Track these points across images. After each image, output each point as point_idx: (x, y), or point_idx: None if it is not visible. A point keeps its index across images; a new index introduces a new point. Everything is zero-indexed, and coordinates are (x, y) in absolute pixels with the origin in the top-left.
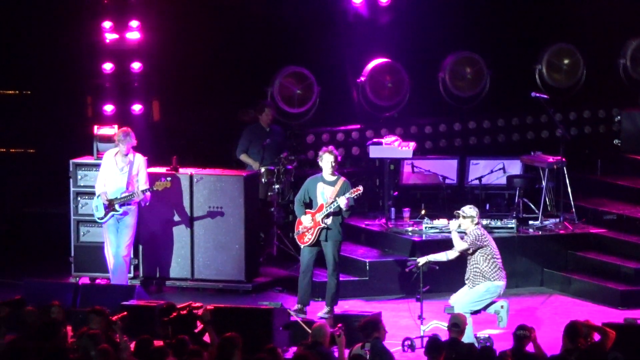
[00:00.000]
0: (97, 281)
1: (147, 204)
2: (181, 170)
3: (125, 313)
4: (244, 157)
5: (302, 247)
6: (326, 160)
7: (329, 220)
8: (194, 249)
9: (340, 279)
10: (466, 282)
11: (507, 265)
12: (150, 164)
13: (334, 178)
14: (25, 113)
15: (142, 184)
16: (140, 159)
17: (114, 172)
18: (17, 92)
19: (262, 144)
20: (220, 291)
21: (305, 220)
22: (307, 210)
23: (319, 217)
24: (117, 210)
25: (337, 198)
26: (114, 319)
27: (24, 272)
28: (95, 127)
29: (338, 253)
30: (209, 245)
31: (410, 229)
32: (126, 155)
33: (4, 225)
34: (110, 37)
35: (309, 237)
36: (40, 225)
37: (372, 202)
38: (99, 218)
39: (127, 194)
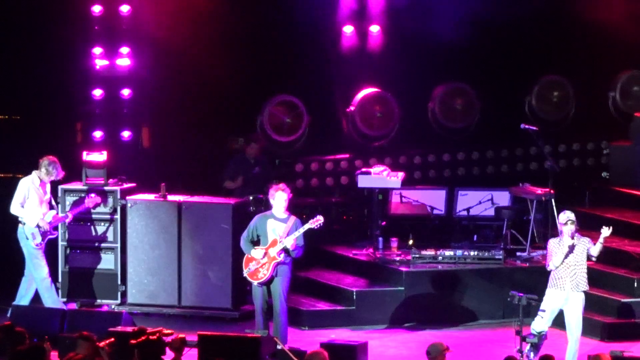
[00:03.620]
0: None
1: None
2: (170, 197)
3: (113, 339)
4: (227, 184)
5: (254, 285)
6: (279, 199)
7: (282, 256)
8: (182, 276)
9: (327, 307)
10: (570, 288)
11: (495, 297)
12: (138, 190)
13: (285, 216)
14: (14, 138)
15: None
16: (49, 183)
17: (42, 199)
18: (5, 117)
19: (249, 172)
20: (207, 318)
21: (257, 254)
22: (256, 247)
23: (273, 251)
24: (54, 234)
25: (284, 239)
26: (101, 345)
27: (11, 298)
28: (84, 153)
29: (287, 289)
30: (196, 273)
31: (398, 259)
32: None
33: None
34: (100, 63)
35: (264, 273)
36: None
37: (360, 232)
38: (37, 244)
39: (61, 217)
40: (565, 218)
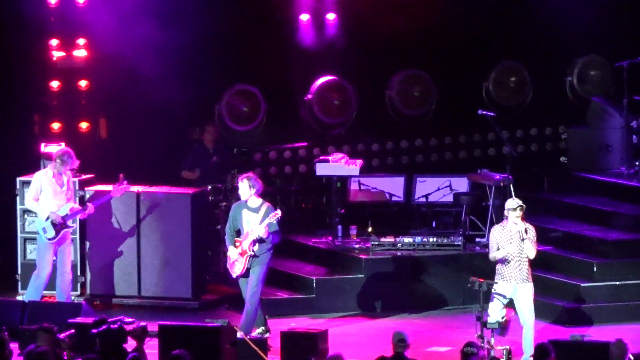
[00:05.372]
0: (44, 299)
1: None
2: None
3: (73, 331)
4: (184, 174)
5: (239, 278)
6: (241, 188)
7: (256, 248)
8: (141, 266)
9: (287, 296)
10: (514, 280)
11: (455, 283)
12: (96, 181)
13: (257, 204)
14: None
15: (74, 196)
16: (69, 174)
17: (56, 191)
18: None
19: (208, 162)
20: (167, 309)
21: (233, 251)
22: (236, 239)
23: (245, 244)
24: (69, 226)
25: (252, 232)
26: (61, 337)
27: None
28: (42, 144)
29: (263, 277)
30: (156, 263)
31: (357, 246)
32: (62, 174)
33: None
34: (57, 54)
35: (239, 267)
36: None
37: (319, 220)
38: (50, 238)
39: (79, 207)
40: (516, 203)
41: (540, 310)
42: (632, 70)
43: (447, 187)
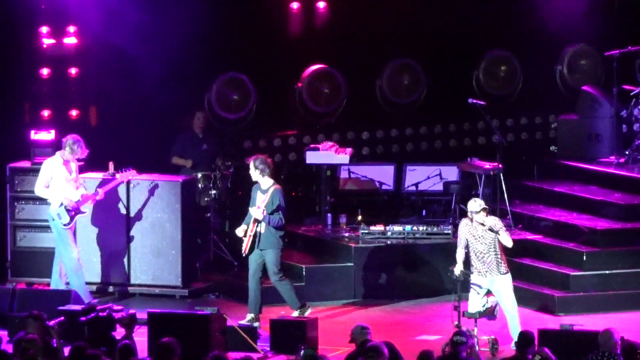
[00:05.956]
0: (35, 286)
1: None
2: (118, 175)
3: (63, 318)
4: (175, 160)
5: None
6: (250, 170)
7: (259, 228)
8: (131, 254)
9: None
10: (489, 273)
11: (444, 271)
12: (86, 169)
13: (267, 185)
14: None
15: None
16: (76, 161)
17: (67, 178)
18: None
19: (198, 149)
20: (156, 296)
21: (240, 230)
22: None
23: (250, 225)
24: (83, 212)
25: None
26: (51, 324)
27: None
28: (32, 132)
29: (278, 260)
30: (145, 251)
31: (347, 235)
32: (71, 161)
33: None
34: (47, 42)
35: (244, 247)
36: None
37: (309, 208)
38: (65, 224)
39: (90, 194)
40: (478, 206)
41: (530, 299)
42: (622, 60)
43: (437, 175)
